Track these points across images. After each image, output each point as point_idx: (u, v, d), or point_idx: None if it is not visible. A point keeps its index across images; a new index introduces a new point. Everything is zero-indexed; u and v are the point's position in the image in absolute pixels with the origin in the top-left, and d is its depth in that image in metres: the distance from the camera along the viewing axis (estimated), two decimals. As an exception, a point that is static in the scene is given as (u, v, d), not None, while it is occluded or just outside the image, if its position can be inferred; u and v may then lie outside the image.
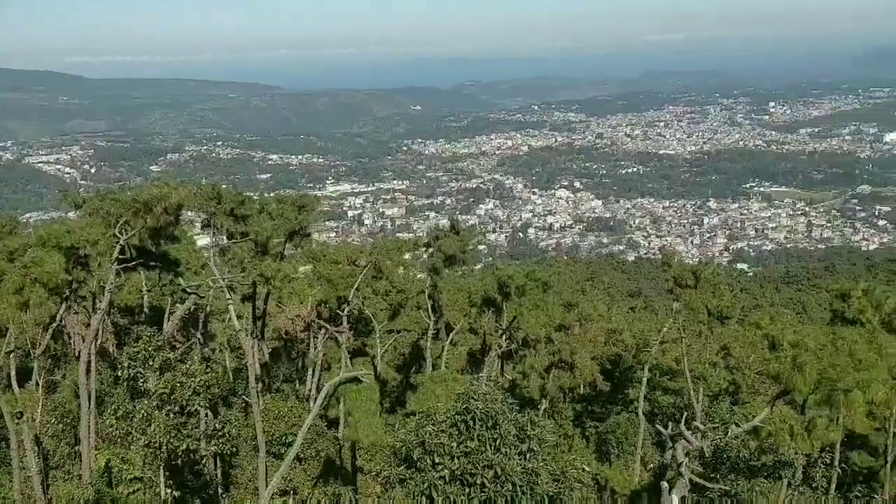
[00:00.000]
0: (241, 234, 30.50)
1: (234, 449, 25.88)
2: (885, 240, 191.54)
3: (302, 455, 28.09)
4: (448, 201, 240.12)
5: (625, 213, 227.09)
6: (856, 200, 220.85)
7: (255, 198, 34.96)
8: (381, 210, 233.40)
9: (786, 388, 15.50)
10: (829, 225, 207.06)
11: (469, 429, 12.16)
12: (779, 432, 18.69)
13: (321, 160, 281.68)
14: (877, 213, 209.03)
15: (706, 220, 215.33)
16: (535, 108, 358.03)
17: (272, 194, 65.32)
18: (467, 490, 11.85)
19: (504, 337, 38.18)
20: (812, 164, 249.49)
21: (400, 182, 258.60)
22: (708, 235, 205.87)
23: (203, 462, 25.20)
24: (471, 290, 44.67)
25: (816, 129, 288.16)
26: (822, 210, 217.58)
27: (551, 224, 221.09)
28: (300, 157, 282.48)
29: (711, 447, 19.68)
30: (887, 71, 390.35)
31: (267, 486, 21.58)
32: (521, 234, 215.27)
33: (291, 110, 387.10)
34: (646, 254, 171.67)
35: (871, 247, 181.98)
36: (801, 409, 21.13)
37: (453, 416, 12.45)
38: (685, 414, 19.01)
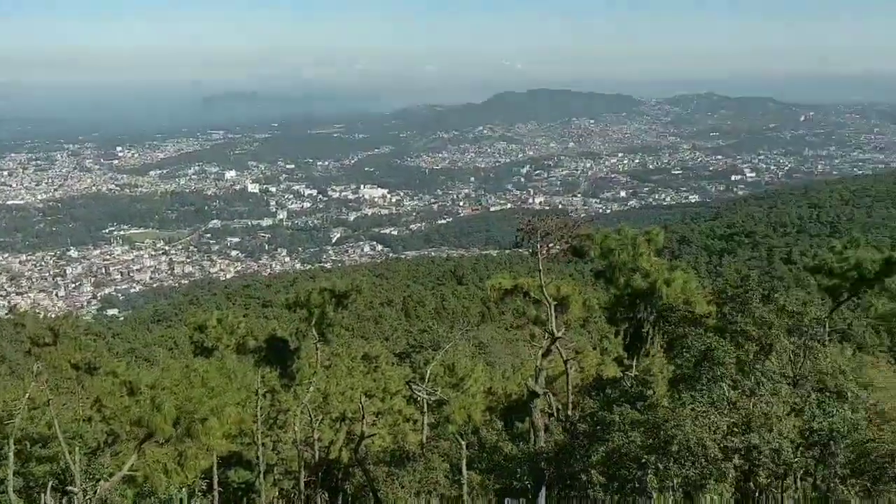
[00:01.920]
0: None
1: None
2: (238, 268, 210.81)
3: None
4: None
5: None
6: (209, 235, 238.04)
7: None
8: None
9: (150, 431, 16.06)
10: (189, 261, 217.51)
11: None
12: (153, 473, 19.32)
13: None
14: (229, 245, 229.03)
15: (69, 269, 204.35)
16: None
17: None
18: None
19: None
20: (166, 205, 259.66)
21: None
22: (74, 285, 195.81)
23: None
24: None
25: (165, 171, 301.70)
26: (180, 247, 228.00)
27: None
28: None
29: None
30: (218, 115, 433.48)
31: None
32: None
33: None
34: (7, 315, 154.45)
35: (228, 276, 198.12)
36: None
37: None
38: (52, 481, 18.03)
